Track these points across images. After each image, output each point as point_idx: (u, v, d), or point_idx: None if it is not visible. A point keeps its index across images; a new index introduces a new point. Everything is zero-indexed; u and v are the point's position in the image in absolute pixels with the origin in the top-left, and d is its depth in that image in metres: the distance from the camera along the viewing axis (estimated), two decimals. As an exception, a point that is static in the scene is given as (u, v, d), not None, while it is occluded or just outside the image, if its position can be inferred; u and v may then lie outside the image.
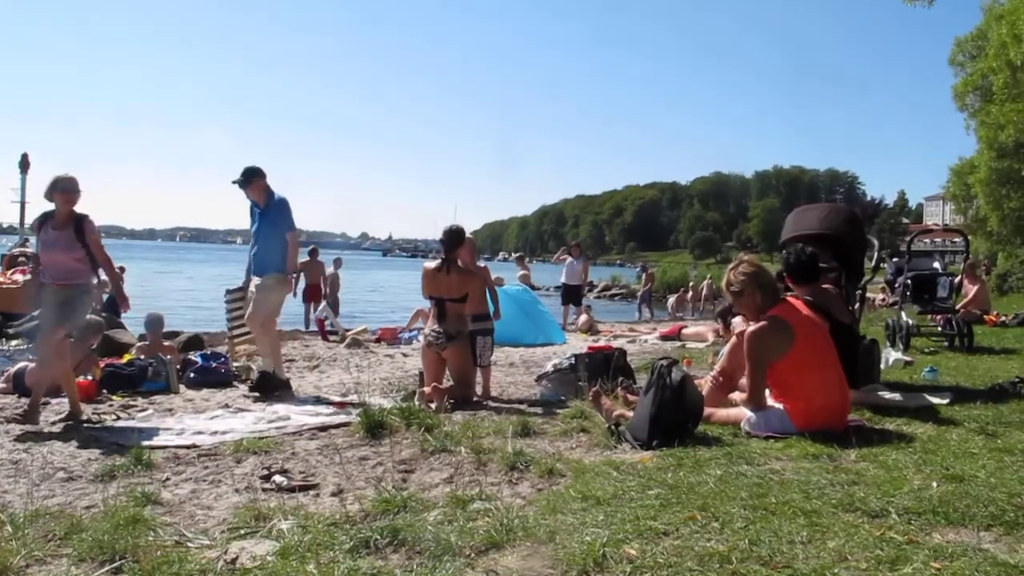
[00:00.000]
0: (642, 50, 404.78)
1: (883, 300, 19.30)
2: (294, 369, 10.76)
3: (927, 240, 59.51)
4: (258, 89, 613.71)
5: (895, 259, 12.26)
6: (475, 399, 7.23)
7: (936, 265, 11.76)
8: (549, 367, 7.61)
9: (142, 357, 9.18)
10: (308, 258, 18.48)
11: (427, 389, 6.97)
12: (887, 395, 6.07)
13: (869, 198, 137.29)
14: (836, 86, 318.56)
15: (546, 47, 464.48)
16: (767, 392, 5.00)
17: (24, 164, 27.66)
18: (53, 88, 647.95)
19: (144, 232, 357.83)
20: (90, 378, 8.29)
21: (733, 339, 5.79)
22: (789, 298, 5.22)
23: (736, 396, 5.31)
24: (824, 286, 6.19)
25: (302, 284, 18.08)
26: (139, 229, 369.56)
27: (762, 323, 4.97)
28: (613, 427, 5.00)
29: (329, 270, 18.92)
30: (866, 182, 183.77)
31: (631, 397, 6.02)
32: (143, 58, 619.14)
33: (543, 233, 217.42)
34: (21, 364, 8.79)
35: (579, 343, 13.37)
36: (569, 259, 18.85)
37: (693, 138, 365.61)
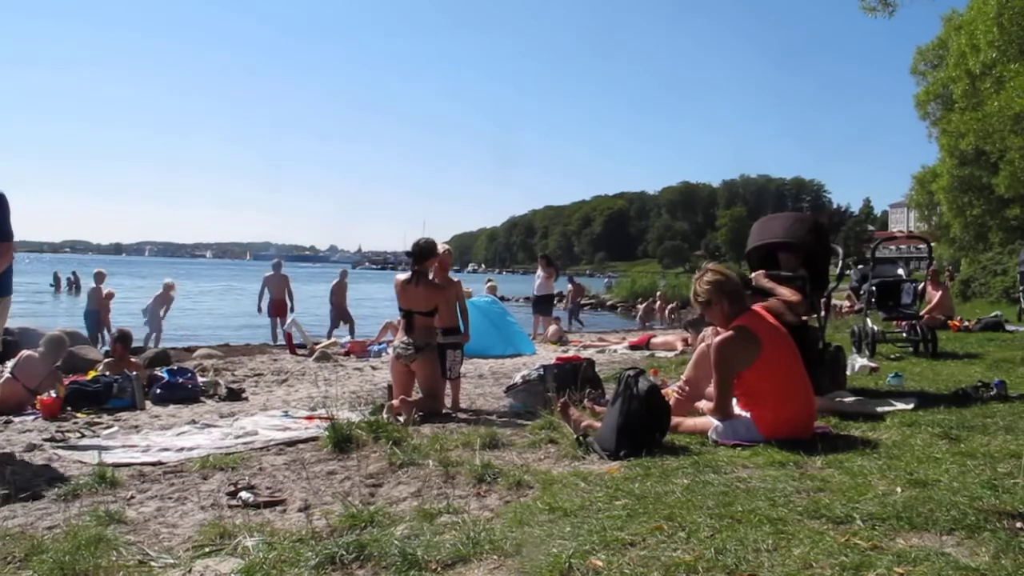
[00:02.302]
0: (610, 61, 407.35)
1: (848, 307, 19.49)
2: (262, 383, 10.66)
3: (891, 247, 60.18)
4: (229, 99, 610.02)
5: (860, 266, 12.39)
6: (444, 411, 7.21)
7: (900, 272, 11.89)
8: (518, 378, 7.60)
9: (107, 374, 9.07)
10: (272, 272, 18.39)
11: (395, 402, 6.94)
12: (853, 401, 6.13)
13: (835, 206, 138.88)
14: (803, 95, 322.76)
15: (514, 58, 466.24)
16: (734, 401, 5.03)
17: (-15, 179, 27.24)
18: (16, 97, 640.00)
19: (110, 247, 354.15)
20: (54, 395, 8.16)
21: (700, 348, 5.82)
22: (756, 307, 5.25)
23: (703, 405, 5.33)
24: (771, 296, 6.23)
25: (267, 299, 18.05)
26: (105, 244, 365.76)
27: (729, 333, 4.99)
28: (581, 438, 5.00)
29: (335, 281, 18.89)
30: (832, 190, 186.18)
31: (598, 408, 6.03)
32: (106, 66, 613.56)
33: (512, 244, 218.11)
34: None
35: (548, 354, 13.38)
36: (538, 271, 18.95)
37: (661, 148, 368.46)
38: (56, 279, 46.50)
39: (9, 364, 8.82)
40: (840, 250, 8.41)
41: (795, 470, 4.07)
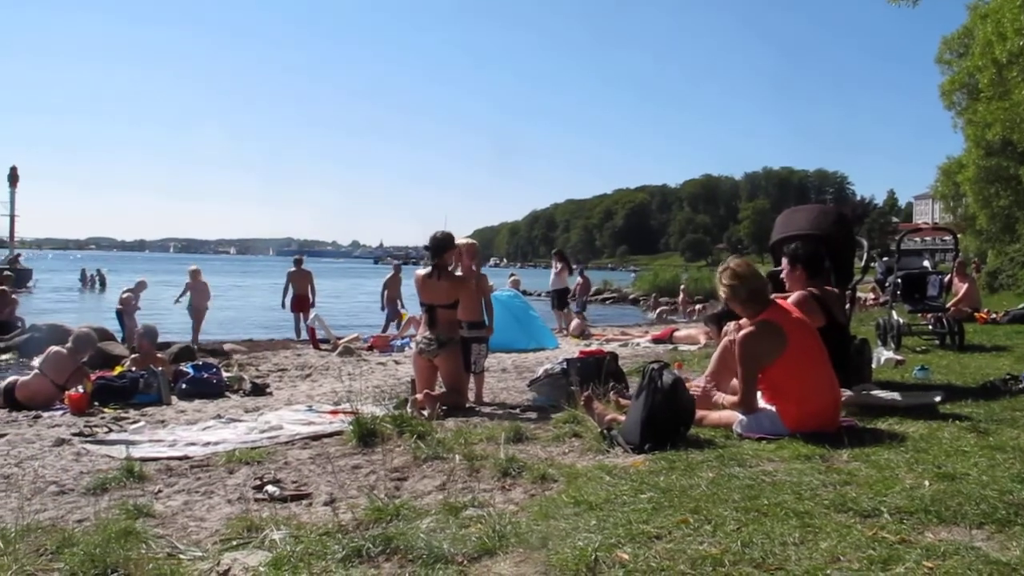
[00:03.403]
0: (630, 53, 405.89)
1: (873, 300, 19.37)
2: (286, 378, 10.73)
3: (916, 239, 59.58)
4: (247, 96, 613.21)
5: (885, 258, 12.29)
6: (467, 405, 7.22)
7: (926, 264, 11.80)
8: (541, 372, 7.59)
9: (133, 369, 9.16)
10: (294, 268, 18.49)
11: (419, 396, 6.96)
12: (879, 394, 6.07)
13: (859, 198, 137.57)
14: (825, 87, 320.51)
15: (534, 51, 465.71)
16: (759, 394, 5.00)
17: (12, 178, 27.67)
18: (41, 100, 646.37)
19: (135, 243, 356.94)
20: (82, 391, 8.26)
21: (724, 342, 5.80)
22: (779, 300, 5.22)
23: (726, 399, 5.31)
24: (827, 287, 6.23)
25: (290, 294, 18.15)
26: (129, 240, 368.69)
27: (752, 327, 4.97)
28: (605, 431, 5.00)
29: (388, 275, 19.19)
30: (856, 182, 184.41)
31: (623, 401, 6.02)
32: (128, 70, 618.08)
33: (534, 238, 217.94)
34: (11, 378, 8.77)
35: (571, 348, 13.37)
36: (553, 266, 18.98)
37: (682, 141, 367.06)
38: (84, 276, 46.97)
39: (37, 360, 8.92)
40: (865, 242, 8.35)
41: (821, 463, 4.04)
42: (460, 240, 7.74)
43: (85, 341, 9.08)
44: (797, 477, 3.74)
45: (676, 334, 15.00)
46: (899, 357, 8.62)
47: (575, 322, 17.59)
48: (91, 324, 15.46)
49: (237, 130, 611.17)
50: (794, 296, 5.87)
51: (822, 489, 3.51)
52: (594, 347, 12.29)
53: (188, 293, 17.43)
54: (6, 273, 24.37)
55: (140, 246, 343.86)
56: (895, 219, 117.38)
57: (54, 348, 8.92)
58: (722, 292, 5.20)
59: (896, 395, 6.07)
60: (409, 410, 6.57)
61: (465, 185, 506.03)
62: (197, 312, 17.25)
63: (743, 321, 5.29)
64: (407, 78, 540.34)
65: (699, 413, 5.07)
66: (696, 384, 5.75)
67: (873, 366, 7.51)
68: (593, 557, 2.75)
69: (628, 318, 28.25)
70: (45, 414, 7.87)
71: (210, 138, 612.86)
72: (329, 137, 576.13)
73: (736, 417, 4.99)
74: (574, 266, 21.63)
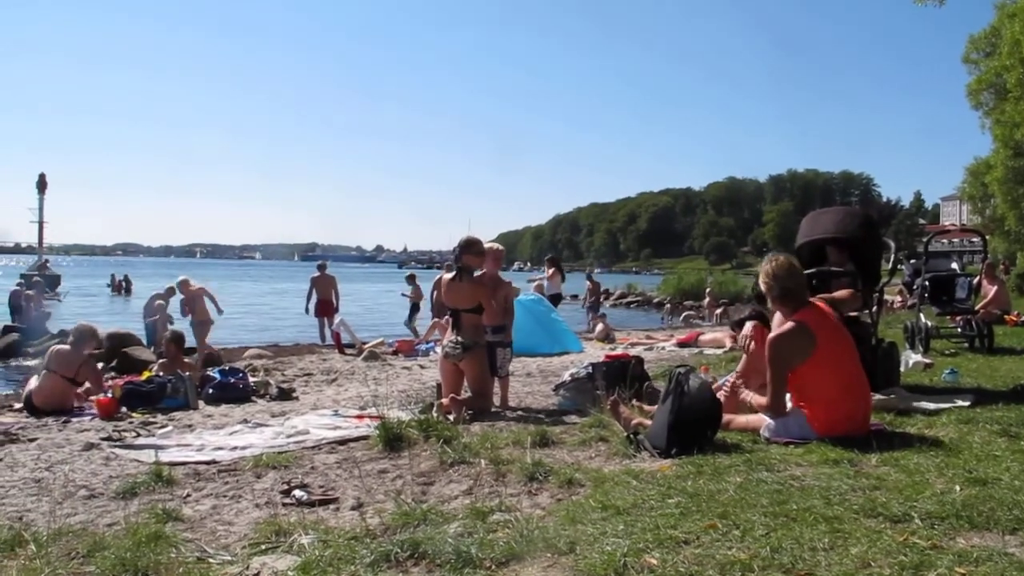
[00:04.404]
0: (653, 56, 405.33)
1: (900, 302, 19.18)
2: (312, 383, 10.78)
3: (944, 241, 59.01)
4: (277, 98, 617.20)
5: (912, 260, 12.18)
6: (493, 409, 7.22)
7: (954, 266, 11.67)
8: (566, 376, 7.59)
9: (161, 374, 9.24)
10: (318, 273, 18.59)
11: (445, 401, 6.97)
12: (907, 398, 6.03)
13: (885, 199, 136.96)
14: (849, 87, 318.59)
15: (556, 54, 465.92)
16: (788, 396, 4.95)
17: (41, 185, 27.99)
18: (67, 110, 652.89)
19: (160, 249, 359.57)
20: (110, 395, 8.35)
21: (746, 343, 5.78)
22: (816, 301, 5.15)
23: (754, 398, 5.26)
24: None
25: (314, 300, 18.24)
26: (155, 246, 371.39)
27: (784, 328, 4.93)
28: (631, 436, 4.98)
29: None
30: (881, 183, 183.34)
31: (648, 406, 6.00)
32: (151, 76, 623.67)
33: (557, 242, 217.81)
34: (29, 387, 8.90)
35: (596, 352, 13.35)
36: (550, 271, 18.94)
37: (706, 144, 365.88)
38: (113, 281, 47.38)
39: (43, 362, 9.04)
40: (892, 244, 8.28)
41: (849, 468, 4.01)
42: (486, 245, 7.74)
43: (84, 333, 9.19)
44: (826, 482, 3.71)
45: (701, 338, 14.96)
46: (927, 360, 8.53)
47: (599, 326, 17.56)
48: (118, 329, 15.70)
49: (261, 137, 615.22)
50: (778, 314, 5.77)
51: (851, 494, 3.48)
52: (619, 351, 12.27)
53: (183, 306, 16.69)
54: (35, 279, 24.66)
55: (166, 252, 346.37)
56: (922, 221, 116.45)
57: (55, 347, 9.07)
58: (761, 290, 5.16)
59: (925, 399, 6.02)
60: (435, 414, 6.58)
61: (488, 189, 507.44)
62: (199, 326, 15.83)
63: (777, 319, 5.27)
64: (431, 82, 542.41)
65: (726, 417, 5.05)
66: (724, 387, 5.73)
67: (901, 369, 7.45)
68: (622, 562, 2.74)
69: (645, 321, 28.23)
70: (75, 419, 7.96)
71: (233, 144, 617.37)
72: (353, 142, 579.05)
73: (763, 421, 4.96)
74: (598, 269, 21.66)
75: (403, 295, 19.82)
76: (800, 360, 4.82)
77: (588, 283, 24.87)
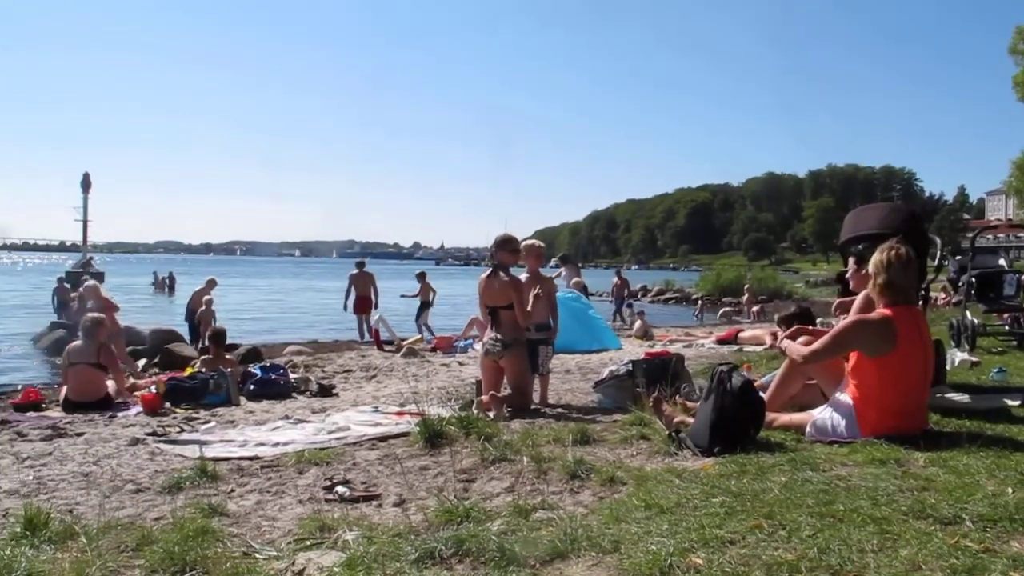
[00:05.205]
0: (689, 52, 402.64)
1: (945, 299, 18.92)
2: (352, 379, 10.85)
3: (991, 236, 58.12)
4: (309, 98, 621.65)
5: (958, 257, 12.00)
6: (533, 407, 7.22)
7: (1001, 262, 11.48)
8: (606, 374, 7.56)
9: (204, 370, 9.34)
10: (357, 270, 18.73)
11: (485, 398, 6.98)
12: (954, 397, 5.93)
13: (927, 195, 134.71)
14: (891, 80, 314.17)
15: (594, 52, 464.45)
16: (848, 386, 4.86)
17: (86, 183, 28.35)
18: (112, 111, 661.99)
19: (200, 247, 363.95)
20: (154, 391, 8.48)
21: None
22: (913, 308, 5.04)
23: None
24: None
25: (352, 297, 18.40)
26: (196, 244, 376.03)
27: (872, 316, 4.80)
28: (673, 434, 4.95)
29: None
30: (924, 178, 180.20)
31: (689, 404, 5.96)
32: (194, 73, 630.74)
33: (595, 238, 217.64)
34: (63, 390, 9.07)
35: (635, 349, 13.30)
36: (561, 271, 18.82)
37: (744, 139, 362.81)
38: (156, 278, 47.92)
39: (64, 361, 9.16)
40: (938, 240, 8.16)
41: (896, 468, 3.94)
42: (525, 242, 7.74)
43: (92, 323, 9.31)
44: (873, 482, 3.66)
45: (741, 335, 14.86)
46: (974, 359, 8.40)
47: (638, 323, 17.51)
48: (160, 326, 15.94)
49: (301, 135, 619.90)
50: (862, 295, 5.73)
51: (899, 495, 3.42)
52: (658, 348, 12.22)
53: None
54: (85, 277, 25.00)
55: (206, 249, 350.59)
56: (966, 216, 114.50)
57: (70, 345, 9.23)
58: (868, 269, 5.00)
59: (972, 398, 5.92)
60: (475, 411, 6.59)
61: (525, 186, 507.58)
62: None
63: (859, 300, 5.19)
64: (469, 80, 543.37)
65: (769, 415, 4.99)
66: (764, 383, 5.68)
67: (947, 368, 7.33)
68: (667, 562, 2.72)
69: (675, 318, 28.09)
70: (120, 414, 8.08)
71: (273, 143, 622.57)
72: (391, 139, 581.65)
73: (808, 419, 4.91)
74: (635, 266, 21.56)
75: (403, 296, 19.82)
76: (869, 352, 4.70)
77: (616, 279, 24.77)
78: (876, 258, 4.85)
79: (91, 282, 12.90)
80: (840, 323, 4.92)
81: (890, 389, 4.67)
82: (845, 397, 4.83)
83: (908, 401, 4.73)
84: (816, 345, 4.96)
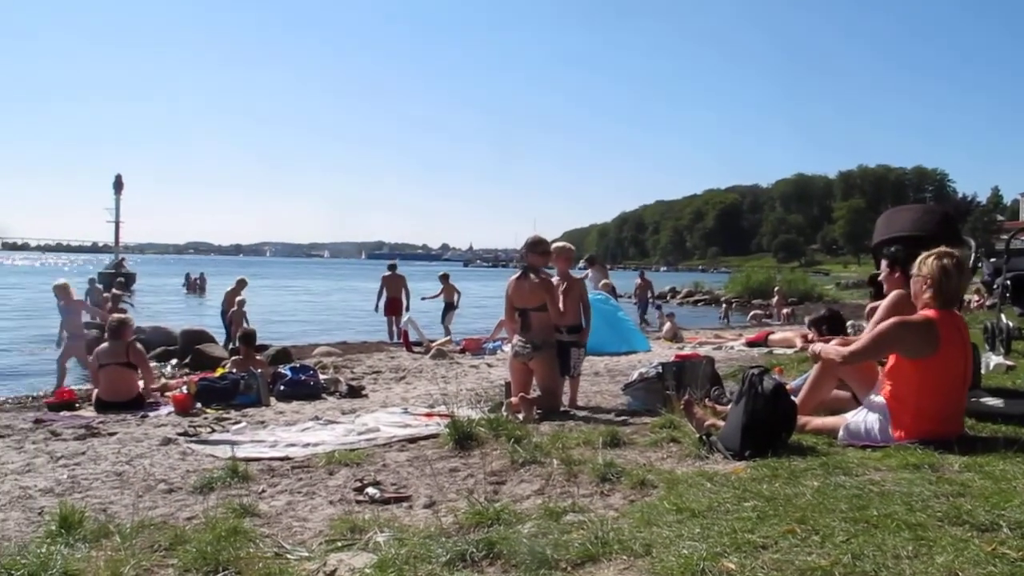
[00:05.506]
0: (719, 51, 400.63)
1: (979, 302, 18.68)
2: (381, 380, 10.88)
3: None
4: (339, 98, 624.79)
5: (992, 259, 11.83)
6: (562, 409, 7.21)
7: (1038, 264, 11.28)
8: (635, 376, 7.53)
9: (234, 371, 9.41)
10: (389, 272, 18.86)
11: (514, 400, 6.98)
12: (989, 401, 5.84)
13: (960, 196, 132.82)
14: (922, 80, 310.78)
15: (621, 52, 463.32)
16: (883, 389, 4.81)
17: (118, 185, 28.74)
18: (140, 114, 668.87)
19: (230, 248, 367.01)
20: (185, 391, 8.56)
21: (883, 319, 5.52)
22: (954, 312, 4.97)
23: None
24: None
25: (383, 298, 18.55)
26: (226, 245, 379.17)
27: (915, 317, 4.73)
28: (704, 437, 4.92)
29: None
30: (956, 179, 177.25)
31: (719, 407, 5.93)
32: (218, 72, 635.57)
33: (623, 240, 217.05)
34: (94, 392, 9.17)
35: (664, 351, 13.24)
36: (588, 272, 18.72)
37: (773, 140, 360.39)
38: (188, 279, 48.35)
39: (94, 361, 9.25)
40: (972, 242, 8.05)
41: (931, 473, 3.89)
42: (554, 244, 7.73)
43: (120, 324, 9.42)
44: (907, 487, 3.61)
45: (771, 337, 14.74)
46: (1009, 362, 8.27)
47: (667, 325, 17.43)
48: (191, 327, 16.10)
49: (329, 136, 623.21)
50: (891, 295, 5.67)
51: (934, 500, 3.38)
52: (687, 350, 12.16)
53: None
54: (119, 279, 25.32)
55: (235, 250, 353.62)
56: (1000, 217, 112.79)
57: (99, 347, 9.34)
58: (918, 271, 4.92)
59: (1007, 402, 5.83)
60: (504, 413, 6.59)
61: (553, 187, 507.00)
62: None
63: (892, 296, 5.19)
64: (498, 80, 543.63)
65: (801, 419, 4.95)
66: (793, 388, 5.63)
67: (982, 372, 7.23)
68: (699, 566, 2.70)
69: (701, 320, 27.95)
70: (151, 414, 8.16)
71: (302, 144, 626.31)
72: (421, 141, 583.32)
73: (841, 423, 4.86)
74: (663, 268, 21.44)
75: (423, 299, 19.89)
76: (910, 354, 4.64)
77: (639, 280, 24.64)
78: (931, 263, 4.75)
79: (60, 281, 12.57)
80: (881, 324, 4.83)
81: (929, 393, 4.60)
82: (879, 400, 4.78)
83: (946, 405, 4.66)
84: (856, 346, 4.91)
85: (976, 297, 19.00)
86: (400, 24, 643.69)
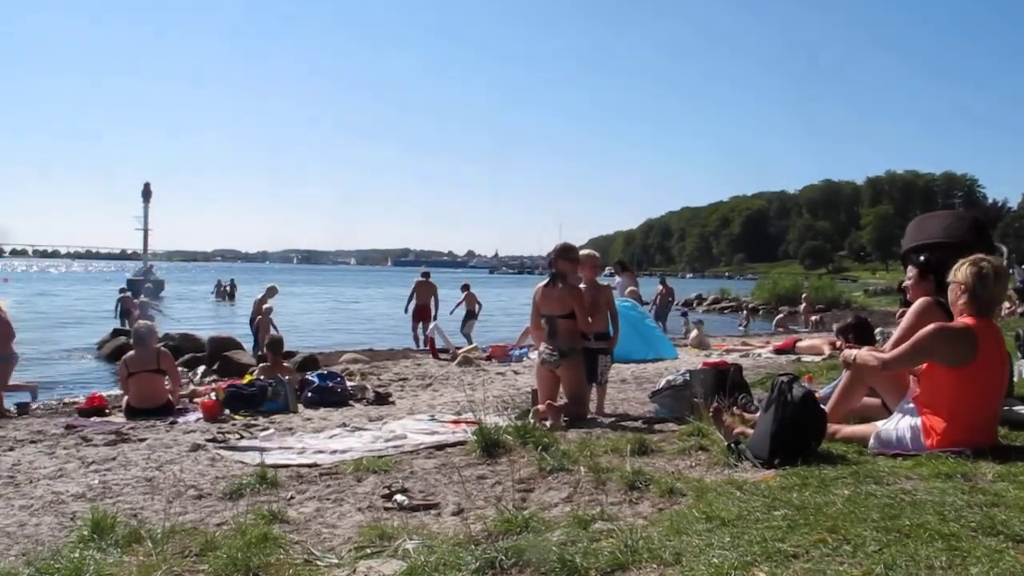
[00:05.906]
0: (746, 56, 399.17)
1: (1010, 309, 18.47)
2: (408, 387, 10.92)
3: (1056, 244, 56.62)
4: (352, 107, 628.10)
5: (1023, 265, 11.72)
6: (589, 416, 7.20)
7: (1069, 271, 11.18)
8: (663, 383, 7.50)
9: (262, 378, 9.47)
10: (422, 279, 18.98)
11: (541, 407, 6.97)
12: (1022, 410, 5.78)
13: (991, 201, 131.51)
14: (951, 84, 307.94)
15: (648, 56, 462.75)
16: (916, 396, 4.76)
17: (146, 193, 29.10)
18: (169, 121, 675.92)
19: (257, 255, 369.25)
20: (214, 398, 8.62)
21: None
22: (991, 320, 4.91)
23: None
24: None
25: (413, 303, 18.69)
26: (252, 252, 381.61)
27: (953, 324, 4.69)
28: (732, 445, 4.89)
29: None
30: (986, 184, 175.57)
31: (748, 415, 5.89)
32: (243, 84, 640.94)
33: (649, 247, 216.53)
34: (124, 397, 9.26)
35: (691, 358, 13.19)
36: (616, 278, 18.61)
37: (800, 145, 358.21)
38: (218, 286, 48.68)
39: (124, 370, 9.32)
40: (1004, 248, 7.98)
41: (963, 483, 3.84)
42: (581, 252, 7.73)
43: (146, 331, 9.52)
44: (939, 497, 3.58)
45: (799, 344, 14.64)
46: (1042, 370, 8.17)
47: (694, 332, 17.36)
48: (220, 334, 16.23)
49: (354, 143, 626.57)
50: (917, 302, 5.62)
51: (967, 510, 3.34)
52: (715, 358, 12.09)
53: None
54: (147, 286, 25.60)
55: (262, 257, 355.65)
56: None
57: (127, 355, 9.45)
58: (953, 278, 4.83)
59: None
60: (531, 420, 6.58)
61: (579, 194, 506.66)
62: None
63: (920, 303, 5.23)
64: (524, 85, 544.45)
65: (831, 427, 4.92)
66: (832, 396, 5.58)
67: (1014, 379, 7.14)
68: (730, 575, 2.69)
69: (725, 327, 27.81)
70: (180, 420, 8.23)
71: (327, 150, 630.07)
72: (447, 148, 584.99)
73: (871, 431, 4.82)
74: (689, 274, 21.36)
75: (451, 312, 19.98)
76: (948, 362, 4.57)
77: (660, 287, 24.54)
78: (966, 270, 4.70)
79: None
80: (920, 331, 4.77)
81: (964, 401, 4.55)
82: (912, 408, 4.74)
83: (981, 414, 4.61)
84: (894, 352, 4.86)
85: (1007, 304, 18.78)
86: (434, 27, 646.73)
